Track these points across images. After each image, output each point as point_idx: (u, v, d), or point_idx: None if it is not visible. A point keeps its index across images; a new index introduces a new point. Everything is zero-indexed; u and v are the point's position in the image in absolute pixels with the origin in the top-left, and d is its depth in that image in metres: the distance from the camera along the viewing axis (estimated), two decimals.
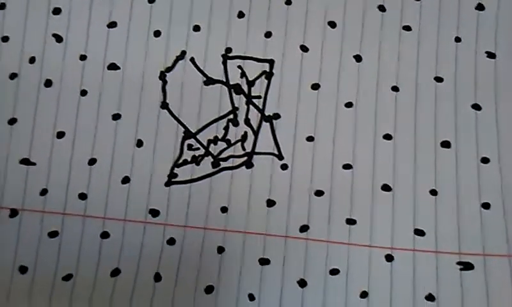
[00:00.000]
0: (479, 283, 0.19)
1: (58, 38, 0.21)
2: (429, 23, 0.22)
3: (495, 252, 0.19)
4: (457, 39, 0.21)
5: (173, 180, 0.20)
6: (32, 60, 0.21)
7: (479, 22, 0.22)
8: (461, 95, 0.21)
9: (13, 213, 0.20)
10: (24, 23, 0.21)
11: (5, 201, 0.20)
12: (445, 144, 0.21)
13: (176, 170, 0.20)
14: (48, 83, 0.21)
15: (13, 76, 0.21)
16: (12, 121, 0.21)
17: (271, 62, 0.21)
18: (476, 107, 0.21)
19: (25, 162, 0.20)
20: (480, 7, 0.22)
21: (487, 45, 0.21)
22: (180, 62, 0.21)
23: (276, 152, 0.21)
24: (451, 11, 0.22)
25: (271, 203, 0.20)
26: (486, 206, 0.20)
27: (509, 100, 0.21)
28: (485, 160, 0.20)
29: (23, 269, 0.19)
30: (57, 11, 0.21)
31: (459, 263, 0.19)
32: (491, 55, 0.21)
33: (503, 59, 0.21)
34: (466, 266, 0.19)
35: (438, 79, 0.21)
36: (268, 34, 0.21)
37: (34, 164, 0.20)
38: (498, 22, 0.22)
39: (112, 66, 0.21)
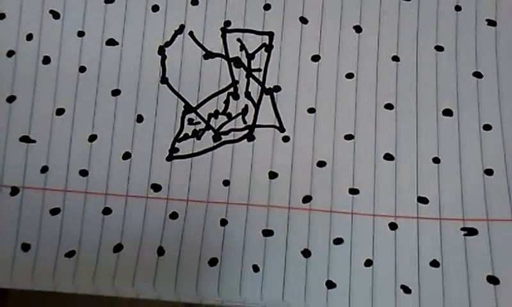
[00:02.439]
0: (483, 248, 0.19)
1: (55, 15, 0.21)
2: None
3: (499, 217, 0.19)
4: (458, 8, 0.21)
5: (174, 154, 0.20)
6: (29, 37, 0.21)
7: None
8: (462, 63, 0.21)
9: (14, 191, 0.20)
10: (21, 0, 0.21)
11: (6, 179, 0.20)
12: (447, 113, 0.21)
13: (177, 144, 0.20)
14: (46, 60, 0.21)
15: (10, 53, 0.21)
16: (11, 99, 0.20)
17: (271, 34, 0.21)
18: (477, 74, 0.21)
19: (25, 139, 0.20)
20: None
21: (487, 12, 0.21)
22: (179, 36, 0.21)
23: (277, 124, 0.21)
24: None
25: (273, 175, 0.20)
26: (488, 172, 0.20)
27: (510, 67, 0.21)
28: (487, 127, 0.20)
29: (25, 247, 0.19)
30: None
31: (463, 229, 0.19)
32: (491, 23, 0.21)
33: (503, 27, 0.21)
34: (470, 231, 0.19)
35: (439, 48, 0.21)
36: (267, 7, 0.21)
37: (34, 141, 0.20)
38: None
39: (111, 42, 0.21)
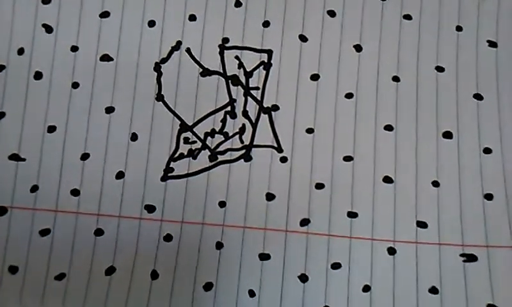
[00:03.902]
0: (482, 274, 0.19)
1: (48, 29, 0.20)
2: (430, 12, 0.21)
3: (498, 244, 0.19)
4: (459, 28, 0.21)
5: (169, 174, 0.20)
6: (21, 51, 0.20)
7: (480, 10, 0.21)
8: (462, 85, 0.21)
9: (2, 211, 0.19)
10: (12, 13, 0.20)
11: None
12: (447, 135, 0.20)
13: (172, 164, 0.20)
14: (38, 75, 0.20)
15: (0, 68, 0.20)
16: (0, 115, 0.20)
17: (269, 52, 0.21)
18: (478, 96, 0.21)
19: (15, 157, 0.19)
20: None
21: (488, 33, 0.21)
22: (176, 53, 0.21)
23: (275, 144, 0.20)
24: (452, 0, 0.21)
25: (270, 196, 0.20)
26: (488, 197, 0.20)
27: (511, 90, 0.21)
28: (487, 151, 0.20)
29: (13, 269, 0.19)
30: (47, 0, 0.21)
31: (462, 255, 0.19)
32: (492, 44, 0.21)
33: (504, 48, 0.21)
34: (470, 258, 0.19)
35: (439, 69, 0.21)
36: (266, 24, 0.21)
37: (23, 159, 0.19)
38: (499, 11, 0.21)
39: (105, 58, 0.20)
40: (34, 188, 0.19)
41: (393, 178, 0.20)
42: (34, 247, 0.19)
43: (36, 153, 0.19)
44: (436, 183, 0.20)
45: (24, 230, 0.19)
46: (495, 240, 0.19)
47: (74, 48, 0.20)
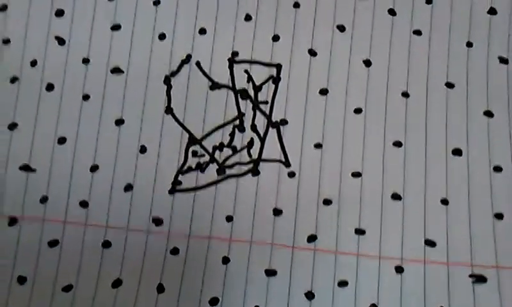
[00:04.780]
0: (492, 296, 0.18)
1: (60, 41, 0.21)
2: (440, 27, 0.21)
3: (509, 265, 0.19)
4: (469, 44, 0.21)
5: (177, 187, 0.20)
6: (33, 63, 0.20)
7: (491, 26, 0.21)
8: (472, 101, 0.21)
9: (12, 221, 0.19)
10: (26, 26, 0.21)
11: (4, 209, 0.19)
12: (457, 152, 0.20)
13: (180, 177, 0.20)
14: (49, 87, 0.20)
15: (13, 79, 0.20)
16: (12, 126, 0.20)
17: (279, 66, 0.21)
18: (488, 114, 0.20)
19: (25, 168, 0.20)
20: (492, 11, 0.21)
21: (499, 50, 0.21)
22: (186, 66, 0.21)
23: (283, 159, 0.20)
24: (463, 15, 0.21)
25: (277, 211, 0.20)
26: (499, 216, 0.19)
27: None
28: (498, 169, 0.20)
29: (22, 279, 0.19)
30: (59, 13, 0.21)
31: (471, 275, 0.19)
32: (503, 60, 0.21)
33: None
34: (479, 279, 0.19)
35: (449, 85, 0.21)
36: (276, 38, 0.21)
37: (34, 170, 0.20)
38: (510, 27, 0.21)
39: (116, 70, 0.21)
40: (44, 199, 0.19)
41: (401, 195, 0.20)
42: (42, 258, 0.19)
43: (47, 164, 0.20)
44: (445, 201, 0.20)
45: (33, 241, 0.19)
46: (505, 261, 0.19)
47: (86, 61, 0.21)
